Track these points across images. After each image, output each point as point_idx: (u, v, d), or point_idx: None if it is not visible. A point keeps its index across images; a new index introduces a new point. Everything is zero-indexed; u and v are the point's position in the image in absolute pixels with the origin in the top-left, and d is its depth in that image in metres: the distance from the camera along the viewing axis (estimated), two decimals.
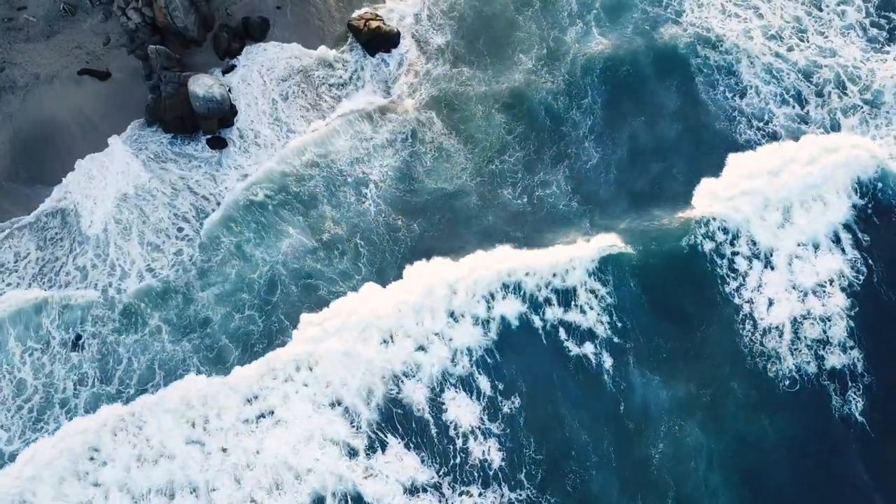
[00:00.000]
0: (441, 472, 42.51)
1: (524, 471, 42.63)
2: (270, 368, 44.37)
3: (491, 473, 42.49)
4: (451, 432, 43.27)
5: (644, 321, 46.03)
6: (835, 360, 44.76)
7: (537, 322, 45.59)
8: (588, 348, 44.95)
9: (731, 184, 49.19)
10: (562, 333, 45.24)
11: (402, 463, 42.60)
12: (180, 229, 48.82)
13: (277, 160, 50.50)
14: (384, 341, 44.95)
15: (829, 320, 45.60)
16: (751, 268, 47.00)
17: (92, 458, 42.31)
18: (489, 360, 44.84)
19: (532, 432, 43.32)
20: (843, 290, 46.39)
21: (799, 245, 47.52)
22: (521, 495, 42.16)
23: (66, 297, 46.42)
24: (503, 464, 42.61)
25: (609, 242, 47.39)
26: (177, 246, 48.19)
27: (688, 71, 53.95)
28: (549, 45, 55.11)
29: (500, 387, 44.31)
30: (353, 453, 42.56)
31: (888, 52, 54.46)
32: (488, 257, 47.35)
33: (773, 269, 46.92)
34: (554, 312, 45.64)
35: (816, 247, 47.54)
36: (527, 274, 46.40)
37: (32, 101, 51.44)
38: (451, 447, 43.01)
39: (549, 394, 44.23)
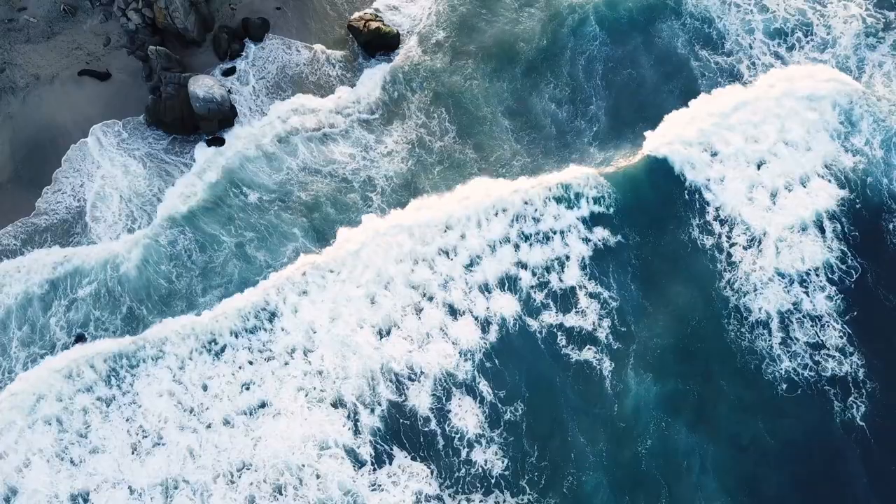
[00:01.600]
0: (444, 484, 42.60)
1: (526, 477, 42.85)
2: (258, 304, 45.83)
3: (493, 482, 42.69)
4: (455, 440, 43.46)
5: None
6: (833, 364, 44.77)
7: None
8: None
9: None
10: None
11: (407, 473, 42.70)
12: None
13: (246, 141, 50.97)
14: (381, 334, 45.45)
15: (821, 319, 45.81)
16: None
17: (80, 443, 42.90)
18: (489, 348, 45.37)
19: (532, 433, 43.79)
20: (832, 282, 46.56)
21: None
22: (522, 499, 42.49)
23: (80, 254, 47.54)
24: (505, 472, 42.86)
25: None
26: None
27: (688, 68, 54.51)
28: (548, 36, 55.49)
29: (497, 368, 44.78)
30: (355, 460, 42.74)
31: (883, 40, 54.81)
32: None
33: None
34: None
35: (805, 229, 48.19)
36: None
37: (33, 101, 51.44)
38: (453, 451, 43.19)
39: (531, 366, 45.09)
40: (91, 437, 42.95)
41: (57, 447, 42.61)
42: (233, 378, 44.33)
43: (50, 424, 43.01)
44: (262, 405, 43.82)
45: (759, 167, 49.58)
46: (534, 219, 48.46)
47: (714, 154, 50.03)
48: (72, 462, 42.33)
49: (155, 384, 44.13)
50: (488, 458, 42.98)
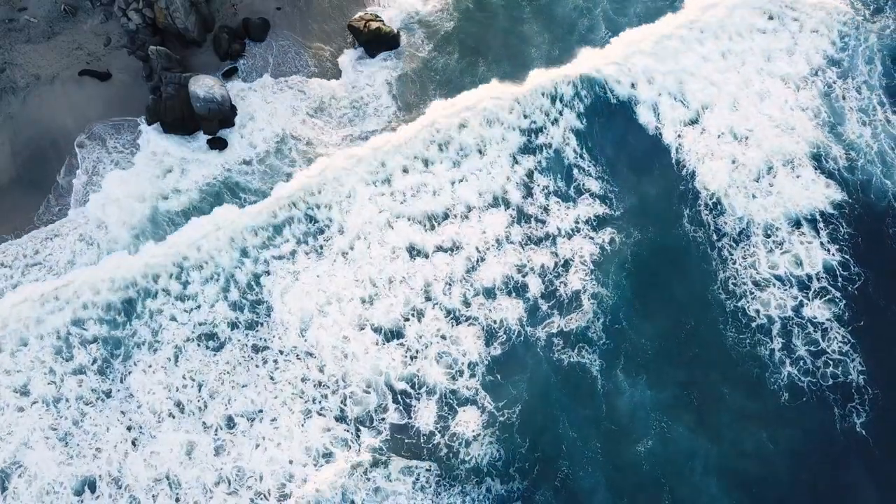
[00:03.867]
0: (437, 474, 42.51)
1: (517, 469, 42.70)
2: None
3: (485, 472, 42.60)
4: (456, 447, 43.30)
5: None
6: (834, 370, 44.23)
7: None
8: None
9: None
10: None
11: (404, 473, 42.51)
12: None
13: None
14: (380, 342, 45.31)
15: (822, 325, 45.31)
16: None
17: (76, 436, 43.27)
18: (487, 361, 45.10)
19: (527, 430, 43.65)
20: (834, 287, 46.19)
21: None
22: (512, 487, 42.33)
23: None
24: (498, 464, 42.73)
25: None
26: None
27: None
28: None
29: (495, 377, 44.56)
30: (353, 464, 42.56)
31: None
32: None
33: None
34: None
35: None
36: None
37: (33, 102, 51.52)
38: (445, 446, 43.06)
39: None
40: (86, 425, 43.29)
41: (56, 433, 43.13)
42: (229, 377, 44.40)
43: (48, 408, 43.54)
44: (260, 410, 43.72)
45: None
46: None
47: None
48: (68, 446, 42.83)
49: (149, 376, 44.31)
50: (485, 451, 42.89)
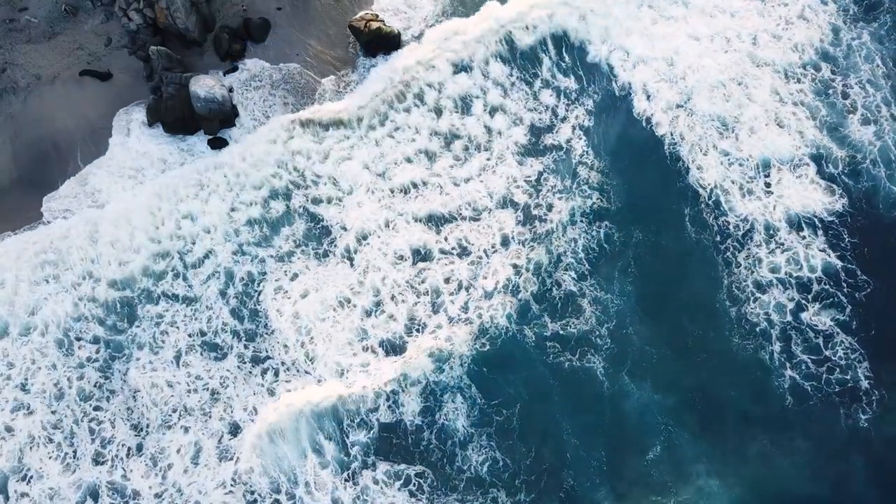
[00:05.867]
0: (434, 484, 42.38)
1: (520, 477, 42.58)
2: None
3: (488, 482, 42.43)
4: (446, 442, 43.23)
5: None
6: (839, 375, 43.79)
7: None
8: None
9: None
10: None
11: (398, 479, 42.41)
12: None
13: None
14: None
15: (826, 332, 44.83)
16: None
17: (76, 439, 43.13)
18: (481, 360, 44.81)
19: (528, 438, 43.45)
20: (838, 289, 45.77)
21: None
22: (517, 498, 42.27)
23: None
24: (500, 473, 42.59)
25: None
26: None
27: None
28: None
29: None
30: (347, 469, 42.61)
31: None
32: None
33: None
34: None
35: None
36: None
37: (34, 102, 51.58)
38: (445, 456, 42.94)
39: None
40: (87, 426, 43.61)
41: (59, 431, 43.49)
42: (231, 384, 44.53)
43: (48, 405, 43.91)
44: (254, 420, 43.68)
45: None
46: None
47: None
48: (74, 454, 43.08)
49: (150, 377, 44.46)
50: (482, 458, 42.77)
